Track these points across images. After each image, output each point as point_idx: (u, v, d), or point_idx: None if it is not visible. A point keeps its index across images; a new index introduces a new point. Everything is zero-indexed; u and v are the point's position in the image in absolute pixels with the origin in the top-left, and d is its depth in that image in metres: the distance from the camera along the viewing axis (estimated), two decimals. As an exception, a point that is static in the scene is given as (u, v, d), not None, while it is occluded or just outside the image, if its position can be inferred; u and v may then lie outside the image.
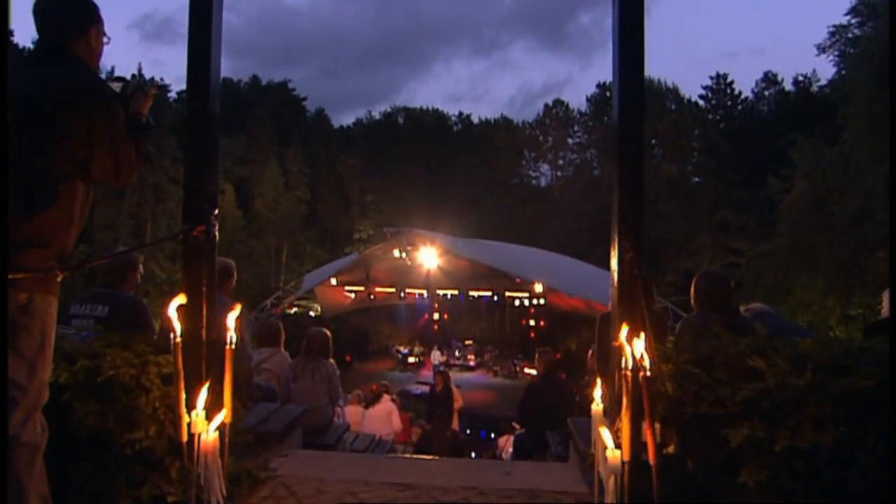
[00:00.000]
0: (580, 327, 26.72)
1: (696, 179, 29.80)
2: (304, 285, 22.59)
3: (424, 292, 22.08)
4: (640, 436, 1.69)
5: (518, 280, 18.25)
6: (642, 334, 1.58)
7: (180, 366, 1.64)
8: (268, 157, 35.00)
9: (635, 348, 1.58)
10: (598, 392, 1.95)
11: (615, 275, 2.01)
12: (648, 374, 1.55)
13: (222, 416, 1.74)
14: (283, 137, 36.67)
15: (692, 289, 2.84)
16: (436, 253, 18.60)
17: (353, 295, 23.16)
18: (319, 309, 27.21)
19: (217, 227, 2.02)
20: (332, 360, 4.23)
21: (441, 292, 21.69)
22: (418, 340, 27.02)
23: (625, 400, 1.59)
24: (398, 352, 26.05)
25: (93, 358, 1.84)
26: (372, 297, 23.16)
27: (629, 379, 1.60)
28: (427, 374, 22.28)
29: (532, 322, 25.82)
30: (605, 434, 1.59)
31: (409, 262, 19.20)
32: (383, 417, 6.46)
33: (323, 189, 37.84)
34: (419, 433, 8.62)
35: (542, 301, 19.90)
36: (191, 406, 1.69)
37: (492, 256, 18.09)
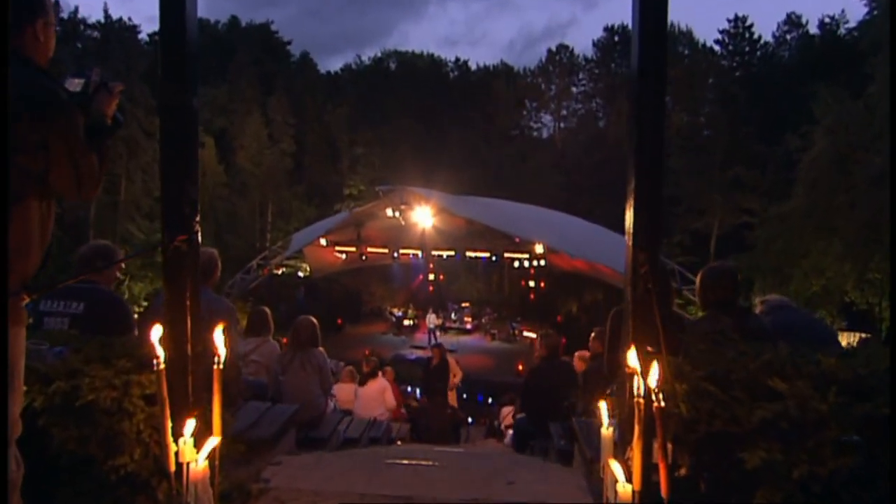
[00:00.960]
0: (582, 289, 27.06)
1: (708, 132, 29.39)
2: (293, 245, 22.57)
3: (419, 253, 22.12)
4: (651, 459, 1.70)
5: (517, 240, 18.27)
6: (655, 363, 1.56)
7: (165, 394, 1.62)
8: (250, 107, 34.19)
9: (649, 378, 1.56)
10: (604, 412, 1.95)
11: (629, 291, 1.98)
12: (662, 405, 1.55)
13: (212, 443, 1.73)
14: (265, 85, 35.74)
15: (698, 285, 2.83)
16: (430, 212, 18.55)
17: (343, 255, 23.19)
18: (308, 269, 27.34)
19: (199, 234, 1.97)
20: (321, 349, 4.24)
21: (436, 253, 21.73)
22: (413, 302, 27.29)
23: (637, 429, 1.59)
24: (392, 314, 26.36)
25: (70, 378, 1.81)
26: (364, 257, 23.21)
27: (641, 407, 1.60)
28: (422, 338, 22.64)
29: (532, 283, 26.03)
30: (616, 467, 1.60)
31: (402, 222, 19.16)
32: (377, 396, 6.56)
33: (310, 141, 37.18)
34: (415, 407, 8.77)
35: (542, 262, 20.00)
36: (178, 433, 1.68)
37: (490, 215, 18.04)
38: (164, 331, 1.68)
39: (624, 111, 37.89)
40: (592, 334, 5.02)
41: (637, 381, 1.62)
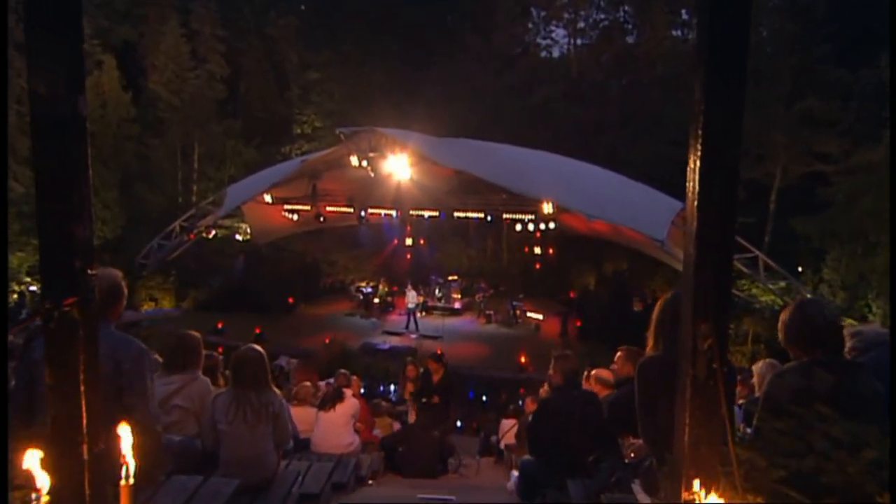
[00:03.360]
0: (602, 257, 27.31)
1: (772, 51, 28.91)
2: (228, 201, 22.33)
3: (393, 212, 22.07)
4: None
5: (520, 196, 18.22)
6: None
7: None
8: (164, 14, 33.13)
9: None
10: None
11: (687, 383, 1.88)
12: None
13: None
14: (185, -17, 34.72)
15: (783, 323, 2.74)
16: (408, 160, 18.47)
17: (294, 216, 23.10)
18: (249, 232, 27.17)
19: (96, 291, 1.82)
20: (276, 391, 4.15)
21: (416, 212, 21.72)
22: (386, 275, 27.37)
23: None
24: (358, 290, 26.45)
25: None
26: (322, 218, 23.15)
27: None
28: (397, 321, 22.79)
29: (537, 250, 26.08)
30: None
31: (371, 173, 19.05)
32: (344, 424, 6.53)
33: (247, 62, 36.40)
34: (388, 426, 8.83)
35: (551, 224, 20.05)
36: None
37: (485, 164, 17.89)
38: (47, 444, 1.57)
39: (659, 24, 37.45)
40: (619, 353, 5.00)
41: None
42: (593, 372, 5.75)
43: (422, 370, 9.63)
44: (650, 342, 3.06)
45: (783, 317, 2.76)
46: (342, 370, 7.84)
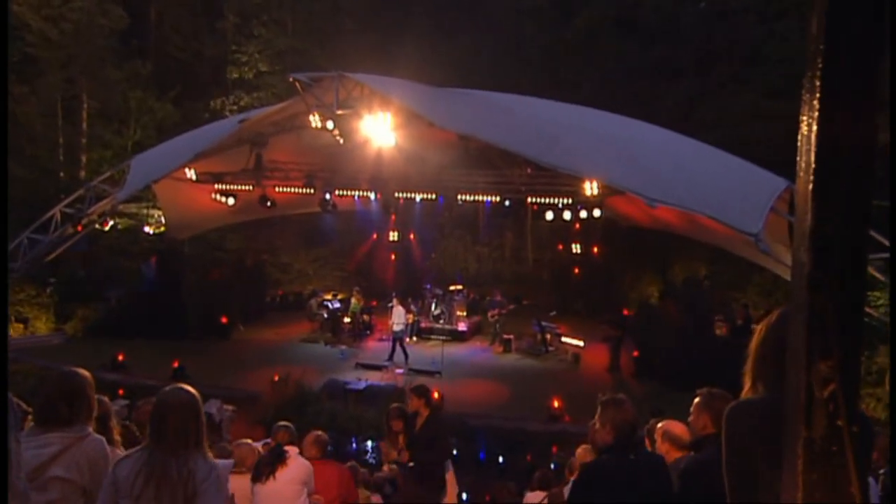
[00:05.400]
0: (669, 258, 27.34)
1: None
2: (132, 179, 22.31)
3: (371, 195, 22.04)
4: None
5: (552, 172, 18.18)
6: None
7: None
8: None
9: None
10: None
11: (799, 448, 1.86)
12: None
13: None
14: None
15: None
16: (392, 121, 18.39)
17: (230, 199, 23.13)
18: (164, 222, 27.16)
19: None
20: (209, 454, 4.12)
21: (403, 195, 21.72)
22: (360, 285, 27.37)
23: None
24: (322, 306, 26.46)
25: None
26: (269, 202, 23.20)
27: None
28: (377, 349, 22.82)
29: (577, 248, 26.13)
30: None
31: (339, 139, 19.04)
32: (291, 497, 6.55)
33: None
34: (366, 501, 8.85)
35: (596, 212, 20.01)
36: None
37: (501, 126, 17.84)
38: None
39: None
40: (697, 399, 4.97)
41: None
42: (659, 425, 5.72)
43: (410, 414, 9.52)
44: (747, 383, 3.02)
45: None
46: (282, 423, 7.86)
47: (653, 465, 4.68)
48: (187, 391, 4.14)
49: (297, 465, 6.79)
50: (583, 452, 7.45)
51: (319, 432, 8.26)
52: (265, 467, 6.70)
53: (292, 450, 6.93)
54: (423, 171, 20.67)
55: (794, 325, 1.95)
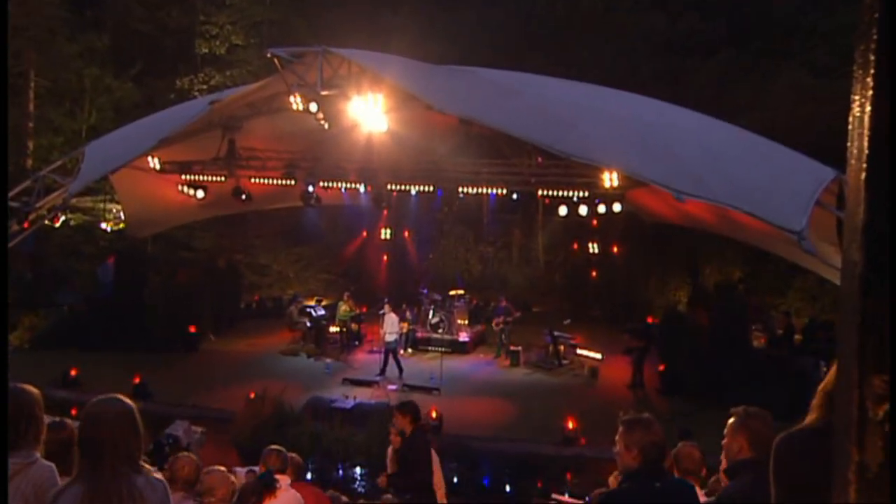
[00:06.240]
0: (700, 260, 27.32)
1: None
2: (87, 168, 22.29)
3: (361, 187, 22.03)
4: None
5: (566, 161, 18.19)
6: None
7: None
8: None
9: None
10: None
11: (851, 474, 1.85)
12: None
13: None
14: None
15: None
16: (384, 103, 18.38)
17: (199, 192, 23.10)
18: (123, 217, 27.14)
19: None
20: (157, 476, 4.10)
21: (397, 188, 21.73)
22: (348, 289, 27.36)
23: None
24: (304, 313, 26.40)
25: None
26: (243, 195, 23.20)
27: None
28: (367, 362, 22.80)
29: (594, 248, 26.10)
30: None
31: (324, 123, 19.03)
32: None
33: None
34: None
35: (616, 206, 20.01)
36: None
37: (508, 109, 17.85)
38: None
39: None
40: (731, 419, 4.95)
41: None
42: (688, 449, 5.71)
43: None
44: (814, 410, 2.90)
45: None
46: (274, 446, 7.78)
47: (682, 494, 4.67)
48: (119, 400, 4.03)
49: (288, 499, 6.74)
50: (614, 482, 7.41)
51: (293, 454, 8.25)
52: (249, 497, 6.61)
53: (283, 479, 6.87)
54: (419, 160, 20.66)
55: (844, 334, 1.95)
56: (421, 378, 21.37)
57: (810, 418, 2.86)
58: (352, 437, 16.87)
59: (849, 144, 1.90)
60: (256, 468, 7.70)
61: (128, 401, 4.05)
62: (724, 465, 5.22)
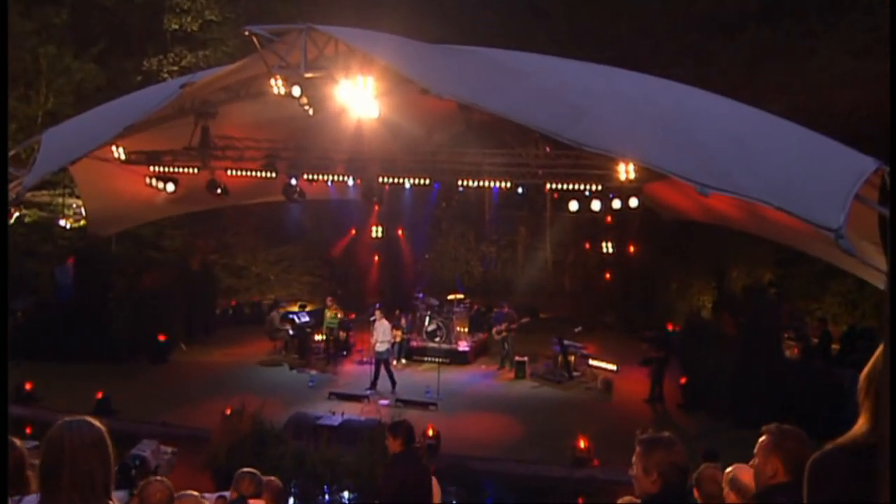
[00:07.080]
0: (726, 261, 27.30)
1: None
2: (43, 159, 22.28)
3: (349, 180, 22.03)
4: None
5: (578, 151, 18.19)
6: None
7: None
8: None
9: None
10: None
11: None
12: None
13: None
14: None
15: None
16: (375, 86, 18.36)
17: (168, 185, 23.10)
18: (84, 214, 27.12)
19: None
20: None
21: (388, 179, 21.73)
22: (334, 293, 27.36)
23: None
24: (285, 320, 26.44)
25: None
26: (219, 189, 23.19)
27: None
28: (356, 375, 22.79)
29: (608, 247, 26.09)
30: None
31: (308, 109, 19.03)
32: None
33: None
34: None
35: (633, 201, 20.03)
36: None
37: (513, 93, 17.85)
38: None
39: None
40: (763, 439, 4.93)
41: None
42: (728, 470, 5.71)
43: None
44: (861, 423, 2.80)
45: None
46: (247, 469, 7.78)
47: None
48: (89, 424, 3.95)
49: None
50: None
51: (272, 477, 8.24)
52: None
53: None
54: (413, 150, 20.65)
55: (887, 341, 1.95)
56: (416, 392, 21.41)
57: (862, 427, 2.75)
58: (339, 458, 16.85)
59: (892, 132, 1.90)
60: (227, 494, 7.69)
61: (98, 425, 3.96)
62: (754, 489, 5.21)
